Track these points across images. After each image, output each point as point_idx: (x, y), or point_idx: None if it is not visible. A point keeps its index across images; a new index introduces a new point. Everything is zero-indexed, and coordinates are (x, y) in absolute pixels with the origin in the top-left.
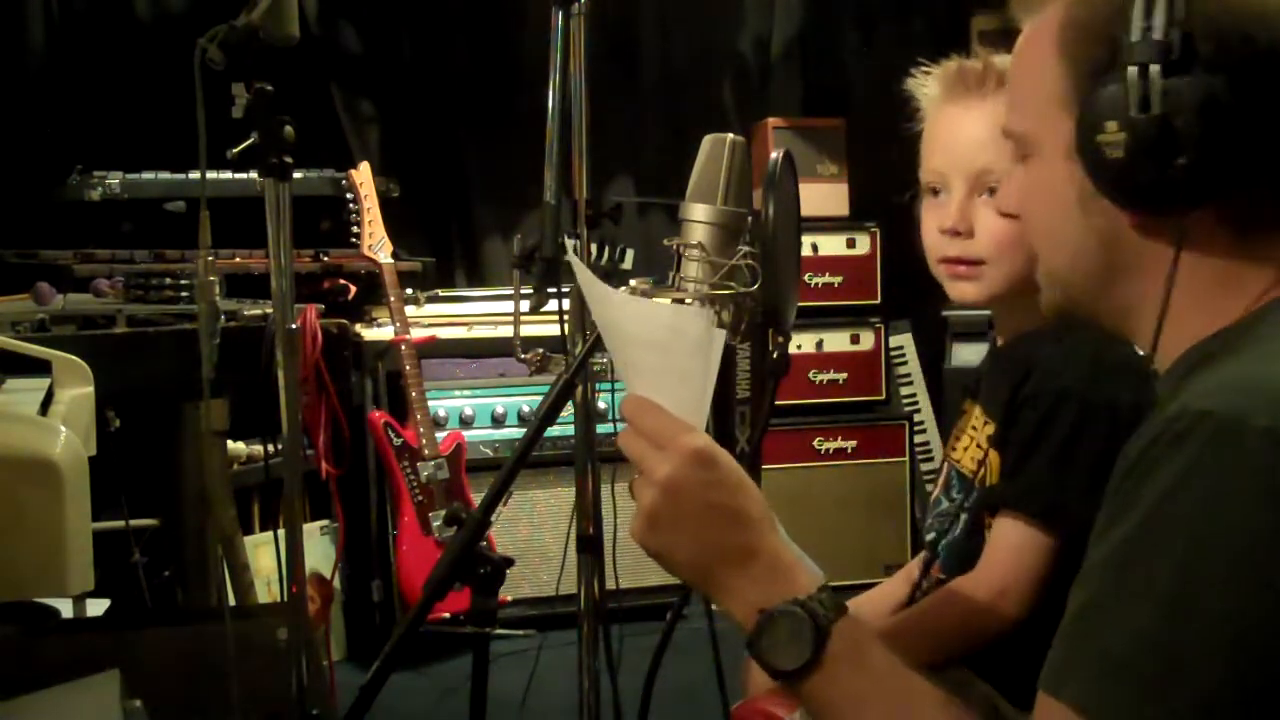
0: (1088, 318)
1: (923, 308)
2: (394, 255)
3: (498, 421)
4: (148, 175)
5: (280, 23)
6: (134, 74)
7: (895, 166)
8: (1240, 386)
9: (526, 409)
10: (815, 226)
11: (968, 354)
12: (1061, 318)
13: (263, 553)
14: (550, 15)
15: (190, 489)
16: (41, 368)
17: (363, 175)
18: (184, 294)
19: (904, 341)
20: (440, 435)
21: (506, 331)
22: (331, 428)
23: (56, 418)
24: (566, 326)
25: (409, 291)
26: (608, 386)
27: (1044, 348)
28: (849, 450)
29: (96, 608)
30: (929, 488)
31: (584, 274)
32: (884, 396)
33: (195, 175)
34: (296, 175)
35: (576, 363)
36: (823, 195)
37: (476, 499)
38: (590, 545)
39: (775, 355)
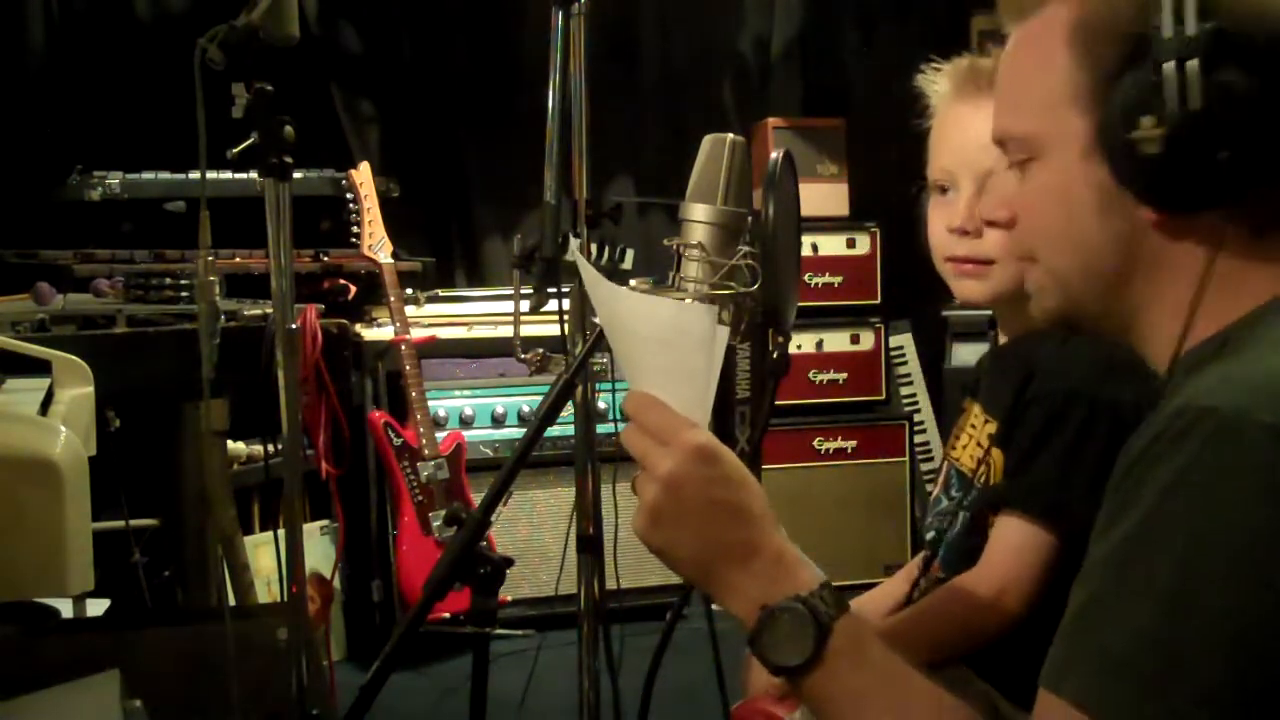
0: (1088, 323)
1: (923, 308)
2: (394, 255)
3: (498, 421)
4: (148, 175)
5: (280, 23)
6: (134, 74)
7: (895, 166)
8: (1242, 383)
9: (526, 409)
10: (815, 226)
11: (968, 354)
12: (1058, 324)
13: (263, 553)
14: (550, 15)
15: (190, 489)
16: (41, 368)
17: (363, 175)
18: (184, 294)
19: (904, 341)
20: (440, 435)
21: (506, 331)
22: (331, 428)
23: (56, 418)
24: (566, 326)
25: (409, 291)
26: (608, 386)
27: (1047, 348)
28: (849, 450)
29: (96, 608)
30: (929, 488)
31: (588, 271)
32: (884, 396)
33: (195, 175)
34: (296, 175)
35: (576, 363)
36: (823, 195)
37: (476, 499)
38: (590, 545)
39: (775, 355)
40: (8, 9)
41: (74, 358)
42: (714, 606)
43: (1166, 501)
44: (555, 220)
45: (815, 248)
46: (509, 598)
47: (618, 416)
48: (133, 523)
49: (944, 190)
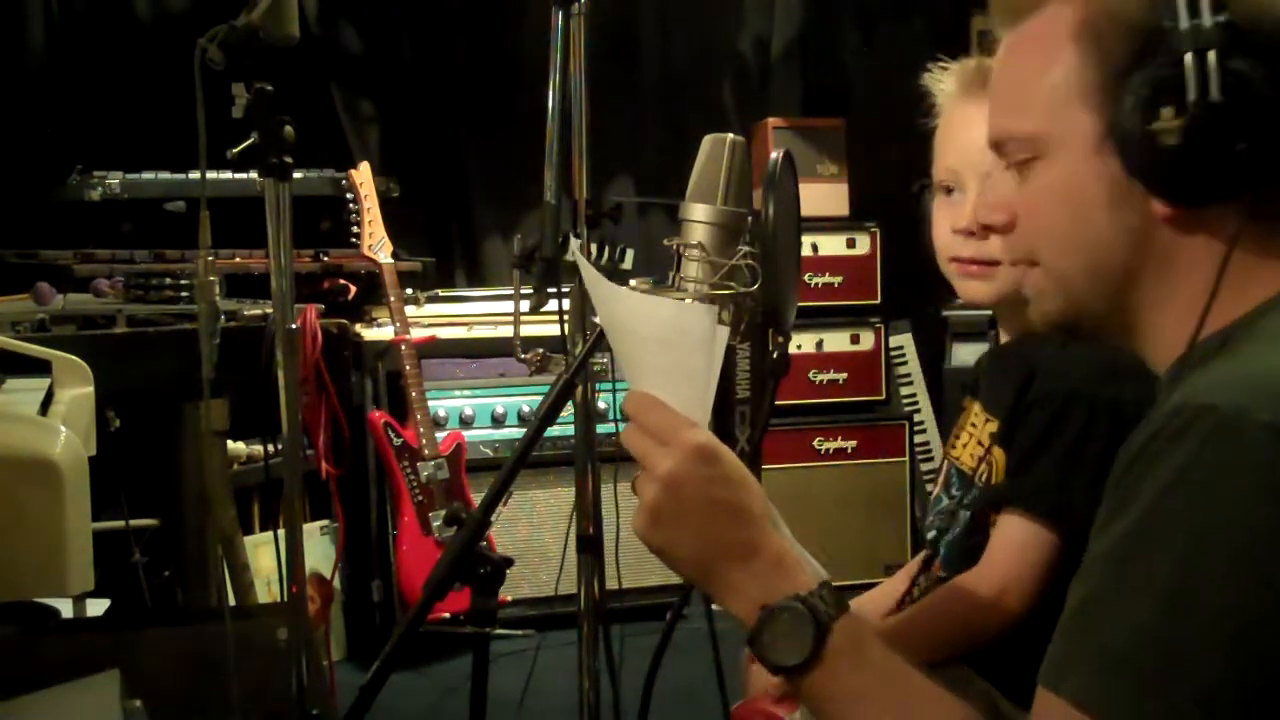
0: (1089, 324)
1: (923, 308)
2: (394, 255)
3: (498, 421)
4: (148, 175)
5: (280, 23)
6: (134, 74)
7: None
8: (1241, 381)
9: (526, 409)
10: (815, 226)
11: (968, 354)
12: (1057, 329)
13: (263, 553)
14: (550, 15)
15: (190, 489)
16: (41, 368)
17: (363, 175)
18: (184, 294)
19: (904, 341)
20: (440, 435)
21: (506, 331)
22: (331, 428)
23: (56, 418)
24: (566, 326)
25: (409, 291)
26: (608, 386)
27: (1049, 348)
28: (849, 450)
29: (96, 608)
30: (929, 487)
31: (588, 271)
32: (884, 396)
33: (195, 175)
34: (296, 175)
35: (576, 363)
36: (823, 195)
37: (476, 499)
38: (590, 545)
39: (775, 355)
40: (8, 9)
41: (74, 358)
42: (714, 606)
43: (1166, 499)
44: (555, 220)
45: (815, 248)
46: (509, 598)
47: (618, 416)
48: (133, 523)
49: (949, 191)
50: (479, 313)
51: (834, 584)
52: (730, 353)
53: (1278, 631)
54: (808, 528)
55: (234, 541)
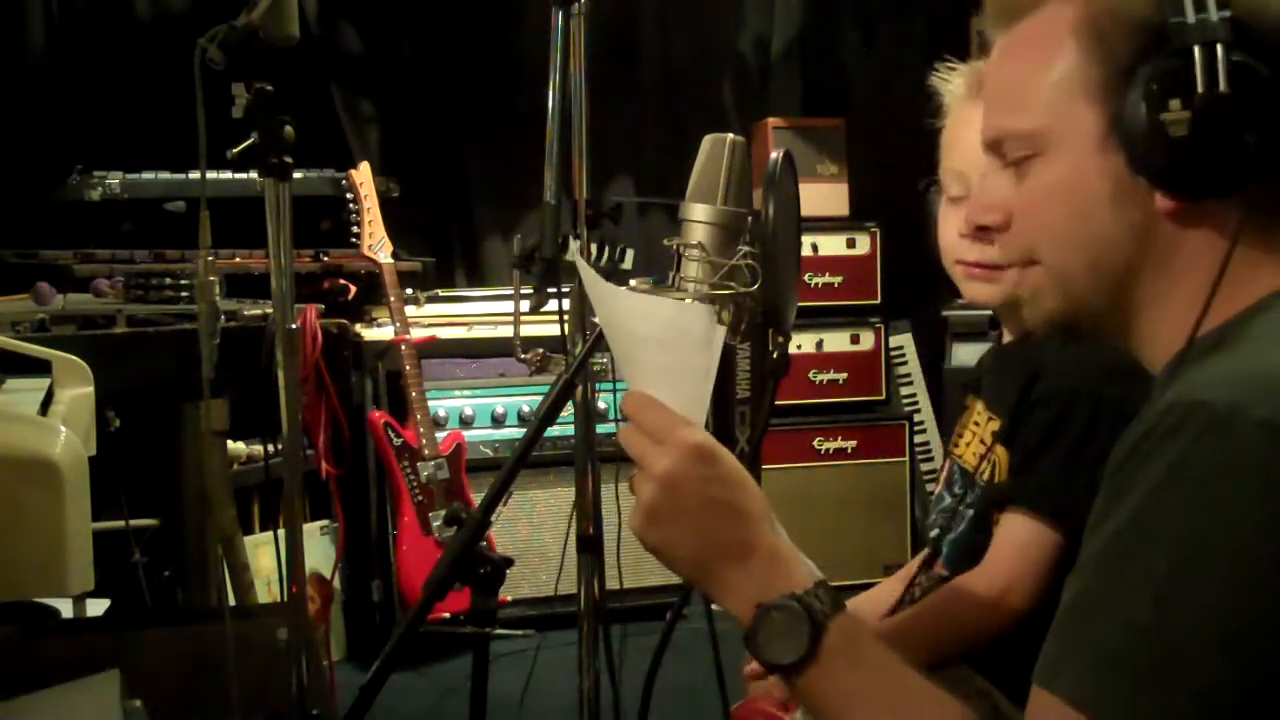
0: (1087, 323)
1: (923, 308)
2: (394, 255)
3: (498, 421)
4: (148, 175)
5: (280, 23)
6: (134, 74)
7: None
8: (1236, 378)
9: (526, 409)
10: (815, 226)
11: (968, 354)
12: (1055, 329)
13: (263, 553)
14: (550, 15)
15: (190, 489)
16: (41, 368)
17: (363, 175)
18: (184, 294)
19: (904, 341)
20: (440, 435)
21: (506, 331)
22: (331, 428)
23: (56, 418)
24: (566, 326)
25: (409, 291)
26: (608, 386)
27: (1053, 347)
28: (849, 450)
29: (96, 608)
30: (929, 487)
31: (587, 272)
32: (884, 396)
33: (195, 175)
34: (296, 175)
35: (576, 363)
36: (823, 195)
37: (476, 499)
38: (590, 545)
39: (775, 355)
40: (8, 9)
41: (74, 358)
42: (714, 607)
43: (1160, 495)
44: (555, 220)
45: (815, 248)
46: (509, 598)
47: (618, 416)
48: (133, 523)
49: (956, 195)
50: (479, 313)
51: (834, 584)
52: (730, 353)
53: (1273, 629)
54: (808, 528)
55: (234, 541)
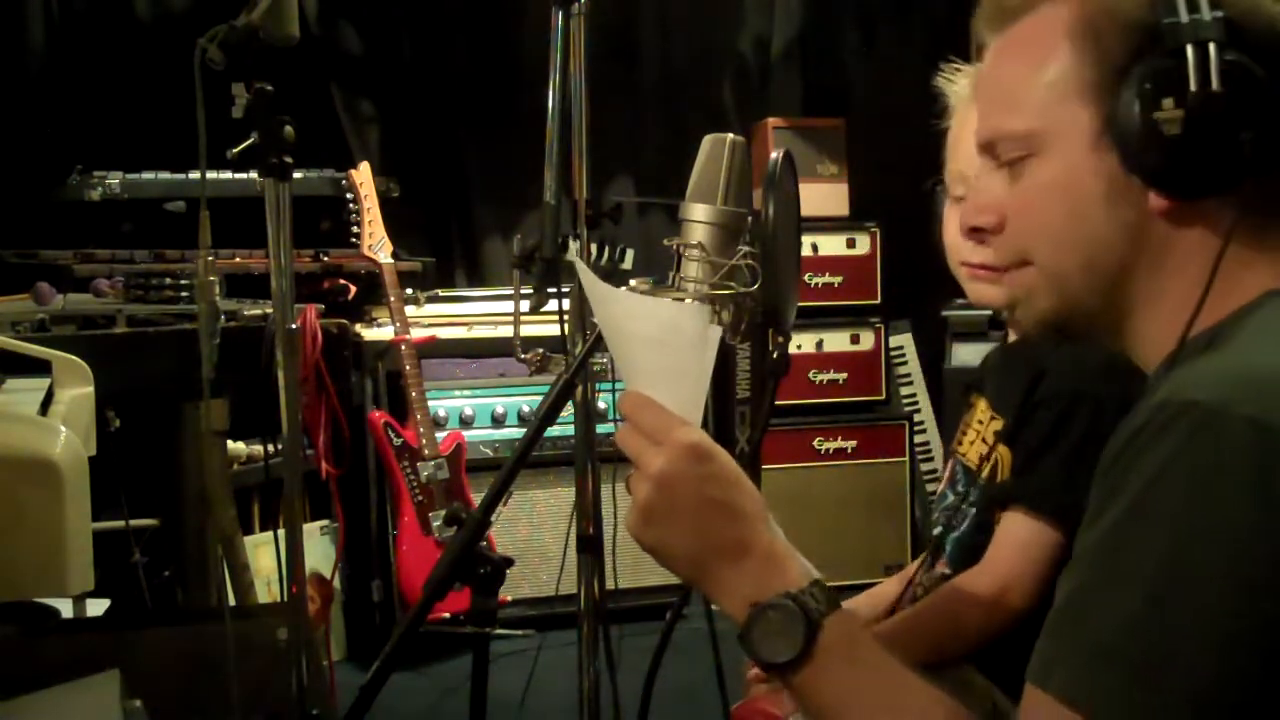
0: (1081, 323)
1: (923, 308)
2: (394, 255)
3: (498, 421)
4: (148, 175)
5: (280, 23)
6: (134, 74)
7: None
8: (1225, 376)
9: (526, 409)
10: (815, 226)
11: (968, 354)
12: (1048, 329)
13: (263, 553)
14: (550, 15)
15: (190, 489)
16: (41, 368)
17: (363, 175)
18: (184, 294)
19: (904, 341)
20: (440, 435)
21: (506, 331)
22: (331, 428)
23: (56, 418)
24: (566, 326)
25: (409, 291)
26: (608, 386)
27: (1058, 348)
28: (849, 450)
29: (96, 608)
30: (929, 487)
31: (585, 272)
32: (884, 396)
33: (195, 175)
34: (296, 175)
35: (576, 363)
36: (823, 195)
37: (476, 499)
38: (590, 545)
39: (775, 355)
40: (8, 9)
41: (74, 358)
42: (714, 607)
43: (1151, 492)
44: (555, 220)
45: (815, 248)
46: (509, 598)
47: (617, 415)
48: (133, 523)
49: (959, 193)
50: (479, 313)
51: (833, 584)
52: (730, 353)
53: (1269, 630)
54: (808, 528)
55: (234, 541)
